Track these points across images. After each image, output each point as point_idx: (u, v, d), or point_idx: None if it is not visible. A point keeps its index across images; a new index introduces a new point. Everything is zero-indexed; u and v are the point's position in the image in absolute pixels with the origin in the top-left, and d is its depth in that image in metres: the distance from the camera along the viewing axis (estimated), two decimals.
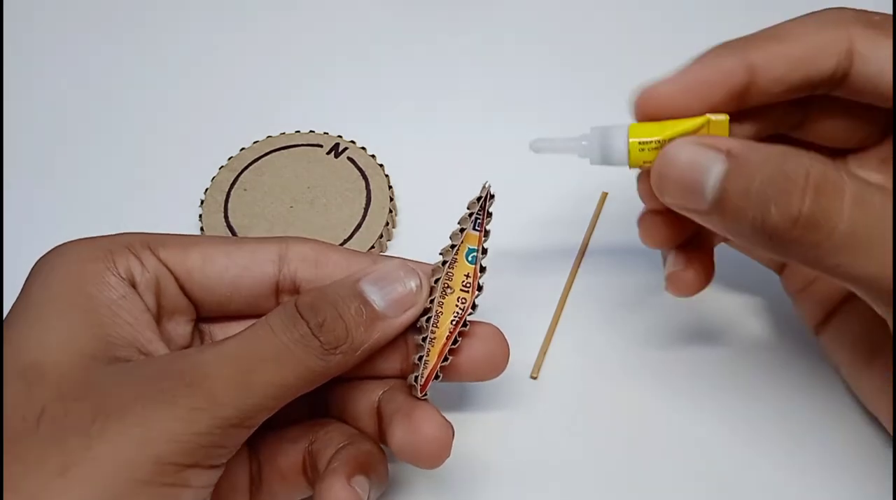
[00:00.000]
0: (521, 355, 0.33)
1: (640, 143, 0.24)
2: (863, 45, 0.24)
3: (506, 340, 0.27)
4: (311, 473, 0.26)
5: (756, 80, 0.24)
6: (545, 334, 0.33)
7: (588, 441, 0.31)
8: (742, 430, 0.31)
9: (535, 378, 0.32)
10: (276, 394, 0.23)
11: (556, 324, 0.34)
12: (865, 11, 0.25)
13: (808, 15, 0.25)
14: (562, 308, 0.34)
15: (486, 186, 0.26)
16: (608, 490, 0.30)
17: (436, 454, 0.24)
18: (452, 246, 0.26)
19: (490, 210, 0.26)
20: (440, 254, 0.26)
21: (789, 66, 0.24)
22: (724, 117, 0.24)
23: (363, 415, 0.27)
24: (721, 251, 0.29)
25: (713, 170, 0.23)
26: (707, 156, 0.23)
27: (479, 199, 0.26)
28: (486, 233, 0.26)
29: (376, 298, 0.24)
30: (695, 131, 0.24)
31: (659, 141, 0.24)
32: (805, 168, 0.22)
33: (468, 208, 0.26)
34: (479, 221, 0.26)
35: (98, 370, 0.22)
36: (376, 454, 0.26)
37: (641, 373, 0.33)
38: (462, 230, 0.26)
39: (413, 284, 0.25)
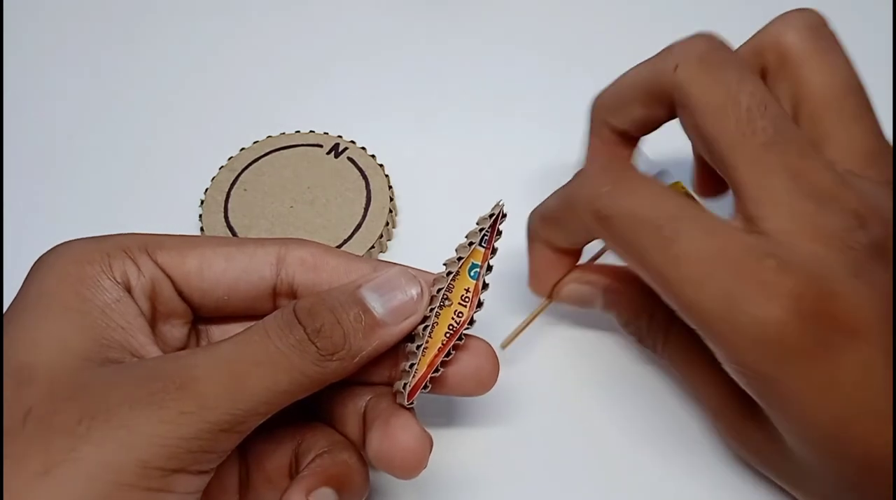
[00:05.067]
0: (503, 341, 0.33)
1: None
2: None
3: (496, 358, 0.27)
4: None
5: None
6: (528, 316, 0.33)
7: (580, 440, 0.31)
8: None
9: (503, 348, 0.32)
10: (268, 399, 0.22)
11: (542, 310, 0.33)
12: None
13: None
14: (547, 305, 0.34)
15: (500, 204, 0.26)
16: (605, 488, 0.30)
17: (411, 464, 0.24)
18: (459, 258, 0.26)
19: (500, 228, 0.26)
20: (444, 265, 0.26)
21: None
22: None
23: (349, 420, 0.26)
24: None
25: (596, 303, 0.31)
26: (589, 296, 0.31)
27: (490, 216, 0.26)
28: (494, 251, 0.26)
29: (376, 305, 0.24)
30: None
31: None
32: (646, 316, 0.30)
33: (478, 224, 0.26)
34: (486, 237, 0.26)
35: (89, 371, 0.22)
36: (353, 464, 0.25)
37: (638, 370, 0.33)
38: (471, 244, 0.26)
39: (414, 292, 0.25)
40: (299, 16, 0.48)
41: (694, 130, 0.26)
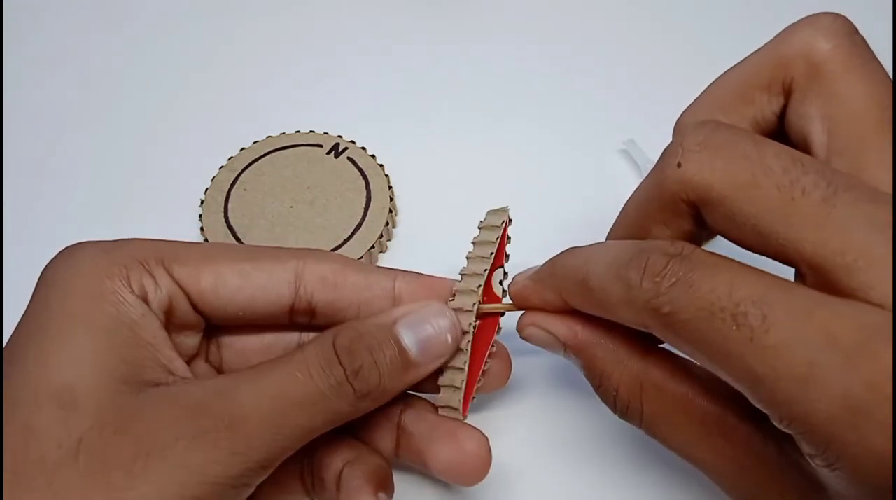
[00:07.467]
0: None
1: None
2: None
3: (510, 356, 0.28)
4: (309, 481, 0.26)
5: None
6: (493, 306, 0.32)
7: (586, 423, 0.31)
8: None
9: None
10: (303, 436, 0.23)
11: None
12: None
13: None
14: None
15: (506, 209, 0.26)
16: (614, 484, 0.30)
17: (479, 470, 0.25)
18: (485, 270, 0.26)
19: (509, 234, 0.26)
20: (462, 275, 0.26)
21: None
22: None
23: (379, 429, 0.27)
24: None
25: (558, 353, 0.26)
26: (551, 344, 0.25)
27: (501, 223, 0.26)
28: (507, 257, 0.26)
29: (412, 345, 0.24)
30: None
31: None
32: (612, 392, 0.24)
33: (480, 228, 0.26)
34: (497, 243, 0.26)
35: (132, 397, 0.22)
36: (387, 468, 0.26)
37: None
38: (491, 254, 0.26)
39: (450, 337, 0.25)
40: (299, 16, 0.48)
41: (728, 223, 0.21)
